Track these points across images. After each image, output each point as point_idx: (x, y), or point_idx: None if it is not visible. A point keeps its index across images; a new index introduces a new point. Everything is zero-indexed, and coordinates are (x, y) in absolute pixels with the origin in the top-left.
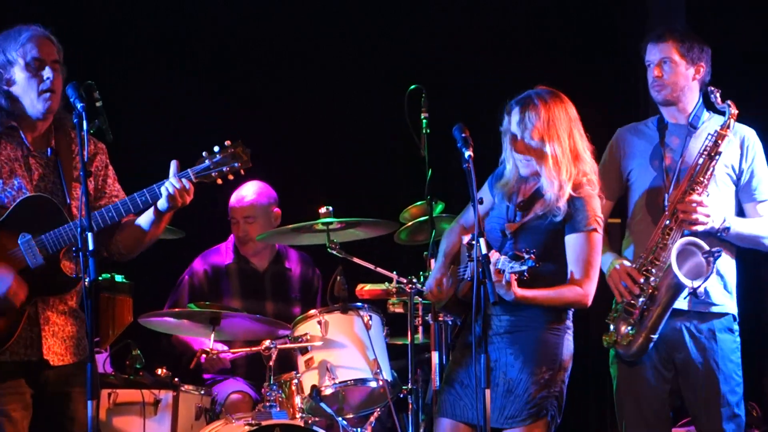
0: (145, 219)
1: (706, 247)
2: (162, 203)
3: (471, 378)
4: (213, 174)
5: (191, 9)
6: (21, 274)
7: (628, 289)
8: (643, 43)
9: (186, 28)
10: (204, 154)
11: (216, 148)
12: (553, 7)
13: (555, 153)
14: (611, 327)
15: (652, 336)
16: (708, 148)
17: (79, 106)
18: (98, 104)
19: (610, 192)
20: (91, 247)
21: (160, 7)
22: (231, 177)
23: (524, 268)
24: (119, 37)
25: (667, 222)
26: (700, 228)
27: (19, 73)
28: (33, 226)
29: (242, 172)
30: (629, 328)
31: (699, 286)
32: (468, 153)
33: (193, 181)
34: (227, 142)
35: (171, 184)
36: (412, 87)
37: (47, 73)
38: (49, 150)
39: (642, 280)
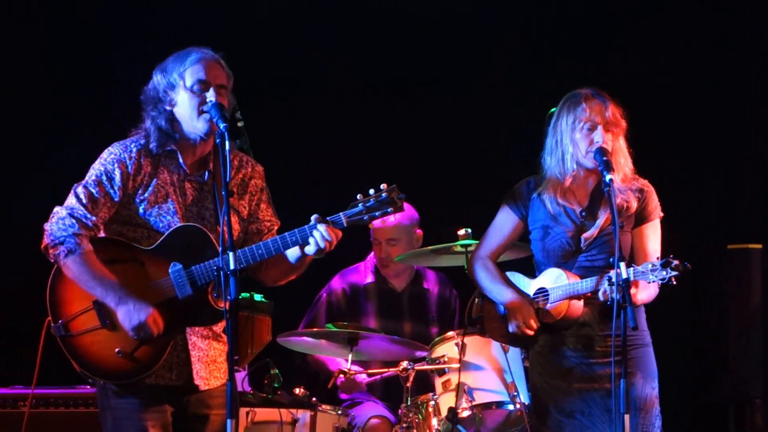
0: (293, 254)
1: None
2: (310, 249)
3: (592, 406)
4: (365, 218)
5: (316, 43)
6: (169, 303)
7: None
8: None
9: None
10: (358, 197)
11: (371, 191)
12: None
13: (623, 148)
14: None
15: None
16: None
17: (221, 126)
18: (240, 124)
19: None
20: (231, 267)
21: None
22: (382, 221)
23: (675, 273)
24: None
25: None
26: None
27: (182, 94)
28: (184, 256)
29: (394, 217)
30: None
31: None
32: (609, 176)
33: (345, 226)
34: (383, 186)
35: (322, 235)
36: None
37: (210, 95)
38: (206, 173)
39: None
